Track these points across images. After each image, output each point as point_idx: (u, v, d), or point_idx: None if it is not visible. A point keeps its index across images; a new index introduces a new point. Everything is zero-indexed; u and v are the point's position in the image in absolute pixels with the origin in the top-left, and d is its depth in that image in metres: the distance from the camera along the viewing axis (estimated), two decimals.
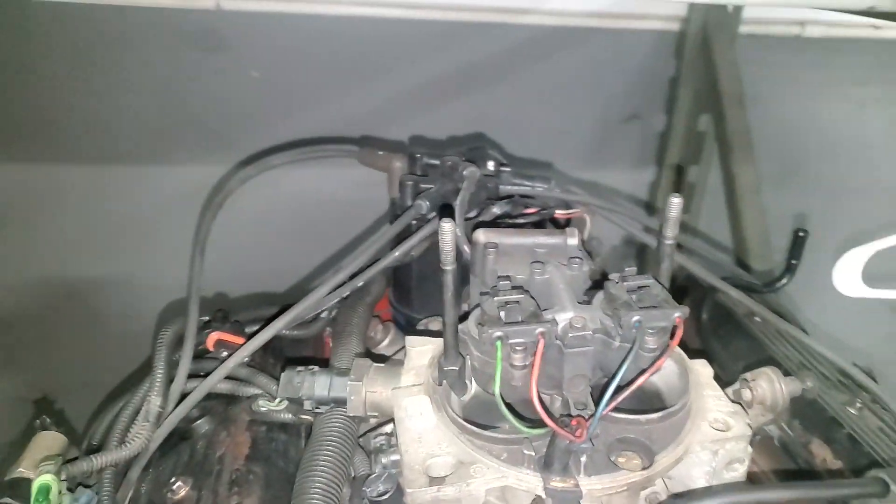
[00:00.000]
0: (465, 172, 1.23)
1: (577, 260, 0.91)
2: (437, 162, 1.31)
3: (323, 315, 1.32)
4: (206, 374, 1.13)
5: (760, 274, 1.56)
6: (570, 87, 2.13)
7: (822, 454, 1.07)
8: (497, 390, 0.79)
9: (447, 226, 0.80)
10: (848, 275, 1.36)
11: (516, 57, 2.02)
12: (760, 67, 2.11)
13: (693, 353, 0.99)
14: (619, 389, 0.80)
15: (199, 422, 1.16)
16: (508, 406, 0.80)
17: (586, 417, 0.80)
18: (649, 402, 0.97)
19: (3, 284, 1.92)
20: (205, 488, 1.06)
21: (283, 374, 1.02)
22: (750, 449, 0.89)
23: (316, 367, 1.02)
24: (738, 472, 0.91)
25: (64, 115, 1.80)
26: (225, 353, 1.19)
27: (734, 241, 2.02)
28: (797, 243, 1.29)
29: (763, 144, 2.03)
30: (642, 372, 0.80)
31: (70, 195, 1.86)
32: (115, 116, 1.83)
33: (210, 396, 1.18)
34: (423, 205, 1.18)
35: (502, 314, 0.83)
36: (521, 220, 1.18)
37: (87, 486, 1.09)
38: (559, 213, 1.23)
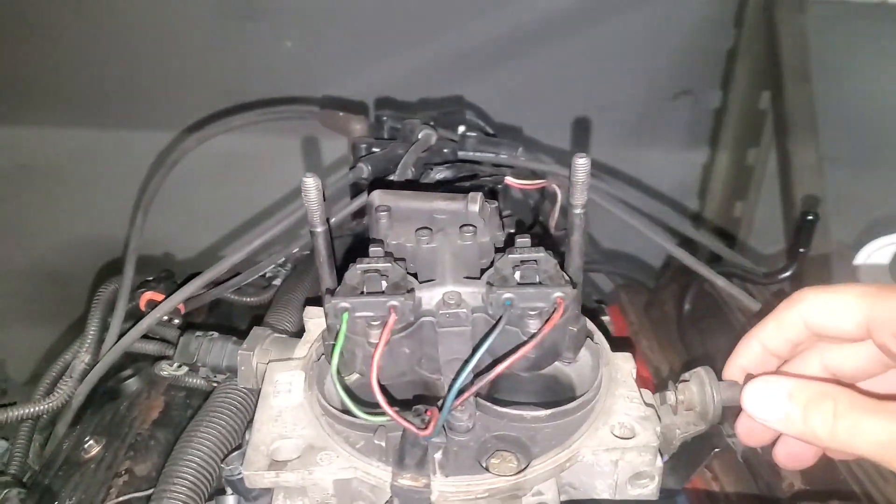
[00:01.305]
0: (420, 135, 1.14)
1: (471, 228, 0.79)
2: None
3: (276, 282, 1.26)
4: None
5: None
6: (613, 58, 1.96)
7: (791, 477, 0.91)
8: (334, 368, 0.70)
9: (309, 181, 0.71)
10: (873, 268, 1.17)
11: (551, 24, 1.88)
12: (833, 38, 1.86)
13: (617, 346, 0.85)
14: (483, 376, 0.69)
15: (128, 381, 1.13)
16: (347, 390, 0.71)
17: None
18: (563, 395, 0.85)
19: None
20: (110, 450, 1.03)
21: (181, 338, 0.96)
22: (660, 463, 0.75)
23: (215, 334, 0.96)
24: (648, 489, 0.77)
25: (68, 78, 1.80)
26: None
27: (787, 230, 1.80)
28: (805, 229, 1.10)
29: (829, 124, 1.80)
30: (500, 360, 0.68)
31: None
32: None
33: (146, 357, 1.15)
34: (364, 168, 1.09)
35: (365, 285, 0.74)
36: (467, 185, 1.07)
37: (5, 439, 1.08)
38: (517, 184, 1.11)
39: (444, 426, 0.72)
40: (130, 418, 1.06)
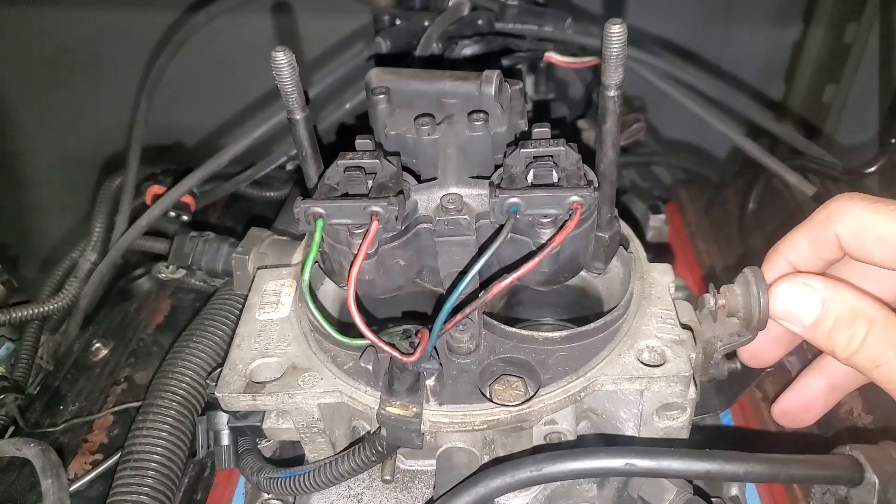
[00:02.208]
0: (450, 3, 0.99)
1: (481, 116, 0.66)
2: None
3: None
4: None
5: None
6: None
7: (850, 404, 0.78)
8: (306, 279, 0.60)
9: (280, 56, 0.59)
10: None
11: None
12: None
13: (655, 255, 0.73)
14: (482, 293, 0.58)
15: (139, 281, 1.07)
16: (321, 306, 0.61)
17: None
18: (591, 310, 0.74)
19: None
20: (115, 354, 0.98)
21: (175, 239, 0.88)
22: (693, 394, 0.64)
23: (210, 234, 0.88)
24: (678, 421, 0.66)
25: None
26: None
27: (881, 119, 1.58)
28: None
29: None
30: (502, 273, 0.57)
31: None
32: None
33: (158, 256, 1.09)
34: (382, 43, 0.96)
35: (347, 185, 0.63)
36: (505, 63, 0.94)
37: (12, 341, 1.05)
38: (561, 61, 0.96)
39: (436, 350, 0.62)
40: (137, 321, 1.01)
